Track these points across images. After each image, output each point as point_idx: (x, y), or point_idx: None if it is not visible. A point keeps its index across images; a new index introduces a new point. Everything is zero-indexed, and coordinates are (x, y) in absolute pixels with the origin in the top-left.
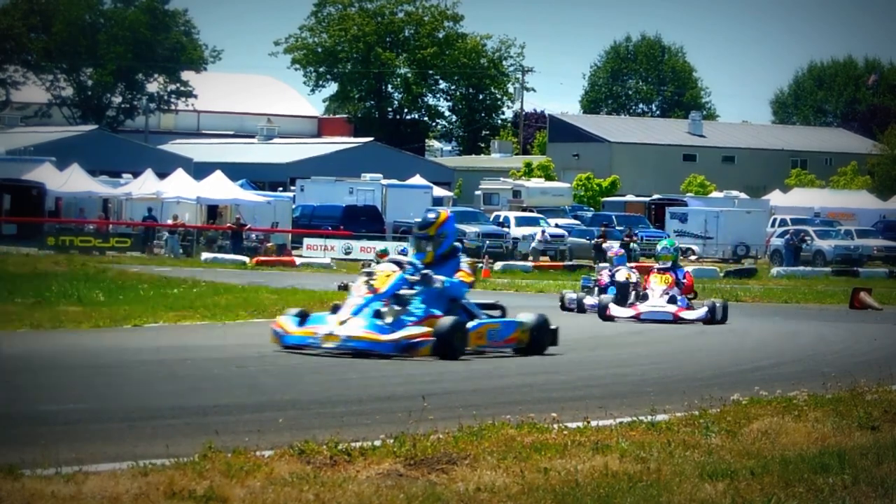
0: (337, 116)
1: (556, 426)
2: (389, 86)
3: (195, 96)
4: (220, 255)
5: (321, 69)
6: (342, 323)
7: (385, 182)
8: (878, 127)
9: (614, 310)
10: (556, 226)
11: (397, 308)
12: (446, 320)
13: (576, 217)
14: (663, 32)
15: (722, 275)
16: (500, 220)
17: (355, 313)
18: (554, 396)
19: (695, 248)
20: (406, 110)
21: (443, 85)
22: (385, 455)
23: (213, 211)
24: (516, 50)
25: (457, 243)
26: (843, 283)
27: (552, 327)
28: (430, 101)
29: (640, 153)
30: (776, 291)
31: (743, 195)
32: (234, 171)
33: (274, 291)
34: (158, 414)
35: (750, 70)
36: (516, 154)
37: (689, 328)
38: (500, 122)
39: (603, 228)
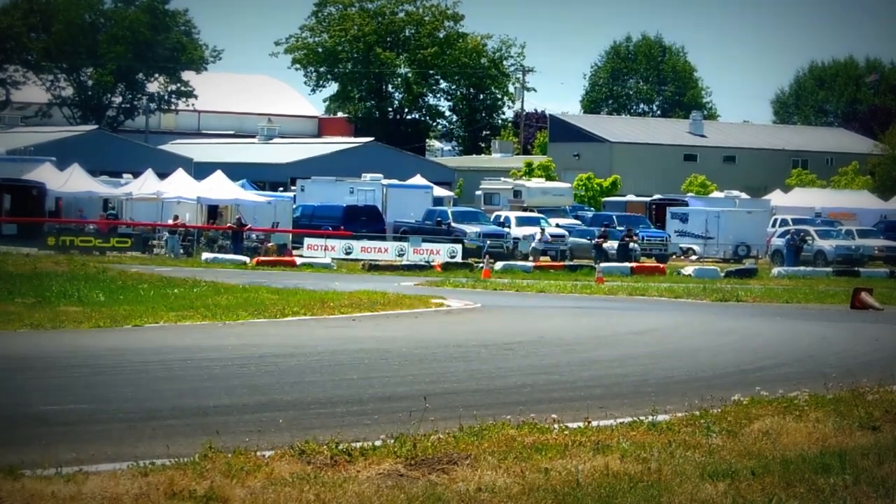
0: (337, 116)
1: (556, 426)
2: (390, 86)
3: (195, 96)
4: (220, 256)
5: (321, 69)
6: None
7: (385, 182)
8: (879, 127)
9: None
10: (557, 226)
11: None
12: None
13: (576, 217)
14: (664, 32)
15: (723, 275)
16: (501, 220)
17: None
18: (555, 397)
19: (696, 248)
20: (406, 110)
21: (443, 85)
22: (386, 455)
23: (214, 211)
24: (517, 50)
25: None
26: (844, 284)
27: None
28: (431, 101)
29: (640, 153)
30: (777, 291)
31: (744, 195)
32: (235, 171)
33: (274, 292)
34: (158, 414)
35: (750, 70)
36: (517, 154)
37: (692, 327)
38: (500, 122)
39: (604, 228)
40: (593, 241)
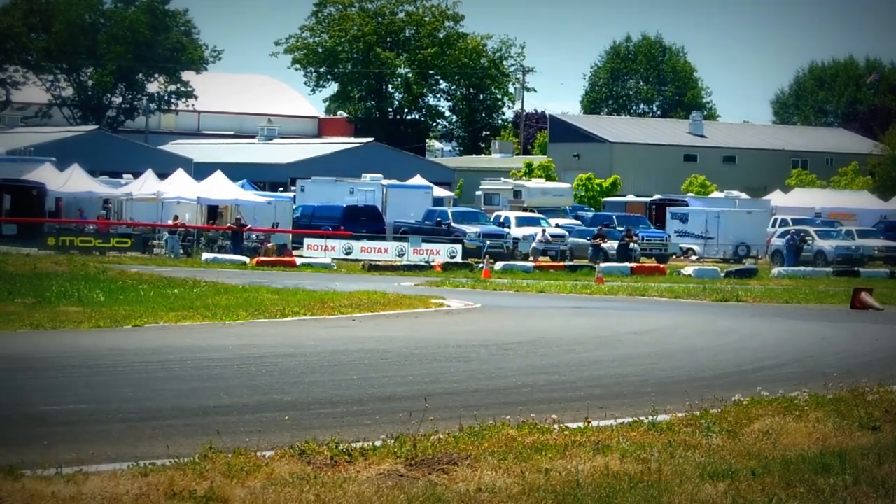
0: (337, 116)
1: (556, 426)
2: (390, 86)
3: (195, 96)
4: (220, 256)
5: (321, 69)
6: None
7: (385, 182)
8: (879, 127)
9: None
10: (557, 226)
11: None
12: None
13: (576, 217)
14: (664, 32)
15: (723, 275)
16: (501, 220)
17: None
18: (555, 397)
19: (696, 248)
20: (406, 110)
21: (443, 85)
22: (386, 455)
23: (214, 211)
24: (517, 50)
25: None
26: (844, 284)
27: None
28: (431, 101)
29: (640, 153)
30: (777, 292)
31: (744, 195)
32: (235, 171)
33: (274, 292)
34: (158, 414)
35: (750, 70)
36: (517, 154)
37: (692, 327)
38: (500, 122)
39: (600, 228)
40: (590, 241)
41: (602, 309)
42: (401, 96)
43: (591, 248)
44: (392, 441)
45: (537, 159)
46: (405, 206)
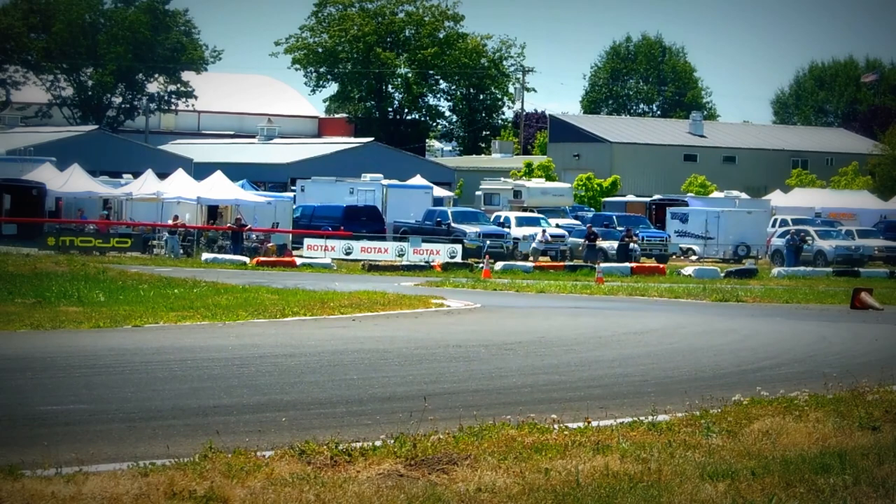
0: (337, 116)
1: (556, 426)
2: (390, 86)
3: (195, 96)
4: (220, 256)
5: (321, 69)
6: None
7: (385, 182)
8: (879, 127)
9: None
10: (557, 226)
11: None
12: None
13: (576, 217)
14: (664, 32)
15: (723, 275)
16: (501, 220)
17: None
18: (555, 397)
19: (695, 248)
20: (406, 110)
21: (443, 85)
22: (385, 455)
23: (214, 211)
24: (517, 50)
25: None
26: (844, 284)
27: None
28: (431, 101)
29: (640, 153)
30: (777, 291)
31: (744, 195)
32: (235, 171)
33: (274, 292)
34: (158, 414)
35: (750, 70)
36: (517, 154)
37: (692, 327)
38: (500, 122)
39: (589, 227)
40: (585, 242)
41: (602, 309)
42: (401, 96)
43: (584, 249)
44: (392, 441)
45: (537, 159)
46: (405, 206)
